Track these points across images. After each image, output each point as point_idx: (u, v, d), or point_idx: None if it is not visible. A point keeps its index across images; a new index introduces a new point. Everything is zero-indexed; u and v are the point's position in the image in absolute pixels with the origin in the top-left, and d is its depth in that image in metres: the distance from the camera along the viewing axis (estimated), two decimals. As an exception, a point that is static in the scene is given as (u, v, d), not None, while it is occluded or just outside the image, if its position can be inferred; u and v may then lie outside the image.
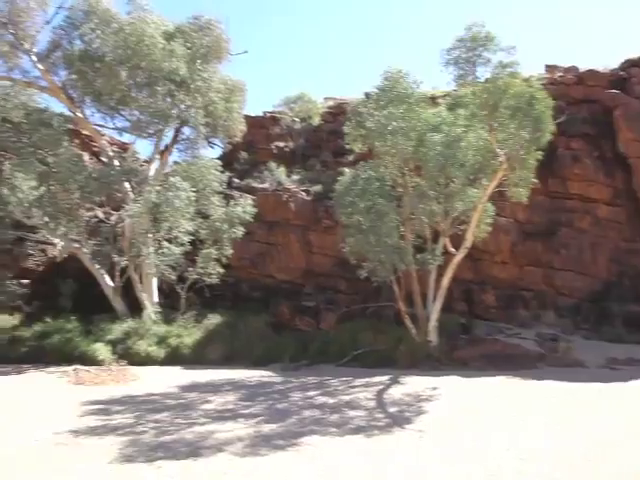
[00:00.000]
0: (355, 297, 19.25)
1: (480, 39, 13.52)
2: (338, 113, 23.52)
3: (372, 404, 10.54)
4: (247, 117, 22.84)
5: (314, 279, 20.50)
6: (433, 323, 15.59)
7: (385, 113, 14.60)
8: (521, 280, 19.33)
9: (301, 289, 20.46)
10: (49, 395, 11.91)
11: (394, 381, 12.78)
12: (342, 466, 6.89)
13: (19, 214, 18.09)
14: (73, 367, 15.14)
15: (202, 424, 9.07)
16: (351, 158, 20.50)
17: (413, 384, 12.29)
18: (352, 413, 9.80)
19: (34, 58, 18.45)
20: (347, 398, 11.13)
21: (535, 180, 14.89)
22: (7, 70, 18.43)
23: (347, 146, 16.90)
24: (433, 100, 17.55)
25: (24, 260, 20.31)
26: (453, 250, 15.65)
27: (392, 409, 10.10)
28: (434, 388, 11.74)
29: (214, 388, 12.64)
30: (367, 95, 17.32)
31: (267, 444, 7.84)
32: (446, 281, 15.60)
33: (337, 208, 16.17)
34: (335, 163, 22.07)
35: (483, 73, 13.85)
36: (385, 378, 13.12)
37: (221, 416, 9.69)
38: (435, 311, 15.63)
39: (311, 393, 11.85)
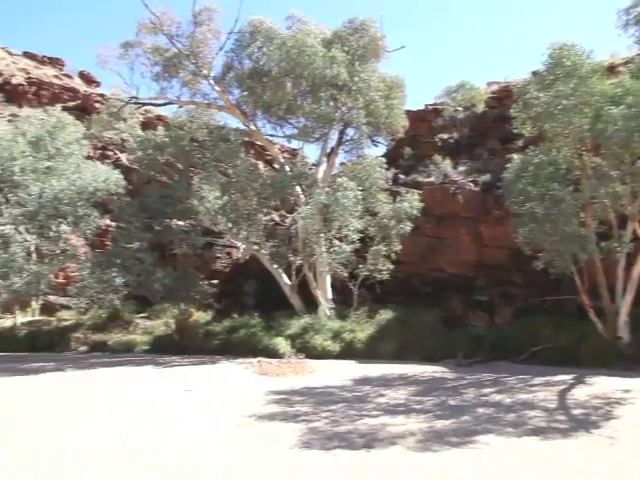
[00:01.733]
0: (531, 290, 18.06)
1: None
2: (503, 97, 22.31)
3: (553, 405, 9.85)
4: (408, 112, 22.74)
5: (486, 272, 19.70)
6: (624, 318, 14.06)
7: (553, 91, 13.51)
8: None
9: (473, 283, 19.80)
10: (238, 383, 13.14)
11: (578, 381, 11.79)
12: (519, 470, 6.58)
13: (207, 222, 20.22)
14: (257, 359, 16.48)
15: (375, 417, 9.28)
16: (520, 143, 19.30)
17: (601, 385, 11.23)
18: (530, 413, 9.26)
19: (212, 82, 20.47)
20: (525, 397, 10.54)
21: None
22: (191, 95, 20.76)
23: (515, 131, 15.96)
24: (612, 70, 15.81)
25: (213, 263, 22.69)
26: (645, 235, 13.96)
27: (576, 411, 9.34)
28: (627, 391, 10.59)
29: (387, 382, 12.83)
30: (534, 74, 16.20)
31: (439, 440, 7.78)
32: (637, 271, 13.95)
33: (508, 197, 15.37)
34: (503, 150, 20.95)
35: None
36: (568, 377, 12.17)
37: (394, 410, 9.82)
38: (625, 305, 14.07)
39: (486, 390, 11.45)
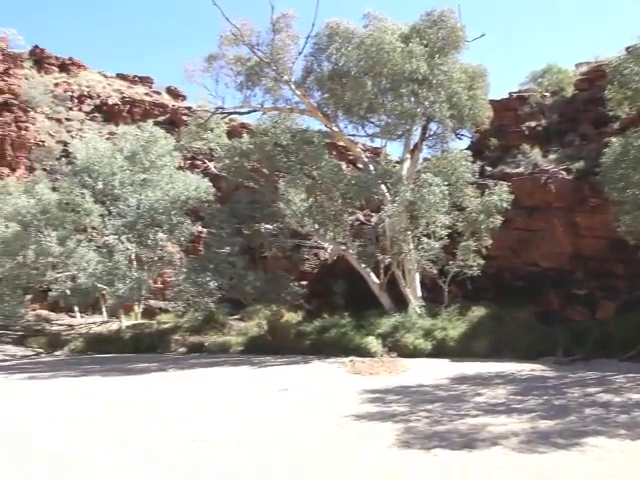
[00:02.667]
0: (636, 282, 16.95)
1: None
2: (594, 78, 21.07)
3: (670, 404, 9.21)
4: (492, 102, 22.03)
5: (584, 264, 18.69)
6: None
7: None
8: None
9: (569, 276, 18.85)
10: (332, 382, 13.30)
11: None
12: (636, 475, 6.21)
13: (294, 224, 20.67)
14: (349, 358, 16.58)
15: (474, 416, 9.09)
16: (617, 126, 18.17)
17: None
18: (645, 414, 8.71)
19: (293, 86, 20.84)
20: (637, 397, 9.91)
21: None
22: (274, 101, 21.27)
23: (610, 113, 15.06)
24: None
25: (301, 264, 23.12)
26: None
27: (697, 411, 8.67)
28: None
29: (483, 381, 12.51)
30: (629, 50, 15.16)
31: (545, 441, 7.49)
32: None
33: (606, 184, 14.54)
34: (597, 134, 19.80)
35: None
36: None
37: (493, 409, 9.57)
38: None
39: (591, 390, 10.87)
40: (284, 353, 19.17)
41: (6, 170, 29.90)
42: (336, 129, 21.77)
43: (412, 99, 19.86)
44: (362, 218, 22.59)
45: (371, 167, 21.03)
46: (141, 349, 22.29)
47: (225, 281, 20.28)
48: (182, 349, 22.19)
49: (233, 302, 22.51)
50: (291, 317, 21.19)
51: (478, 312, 17.93)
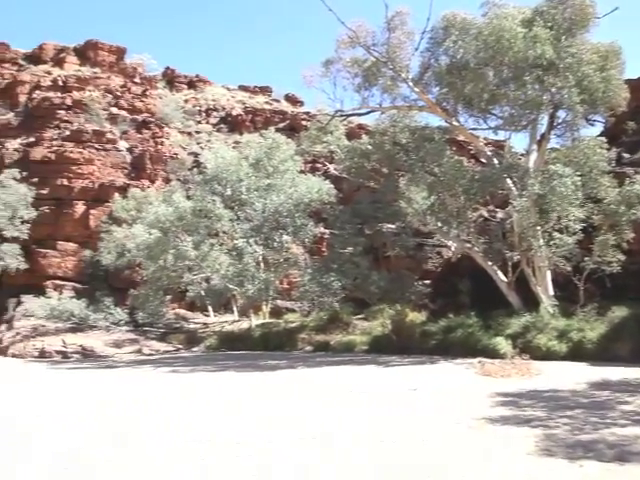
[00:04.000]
0: None
1: None
2: None
3: None
4: (629, 81, 20.23)
5: None
6: None
7: None
8: None
9: None
10: (461, 383, 13.01)
11: None
12: None
13: (416, 223, 20.50)
14: (477, 359, 16.09)
15: (623, 426, 8.41)
16: None
17: None
18: None
19: (410, 84, 20.65)
20: None
21: None
22: (391, 100, 21.23)
23: None
24: None
25: (425, 263, 22.85)
26: None
27: None
28: None
29: (630, 387, 11.55)
30: None
31: None
32: None
33: None
34: None
35: None
36: None
37: (645, 419, 8.81)
38: None
39: None
40: (409, 353, 19.05)
41: (146, 182, 32.74)
42: (456, 124, 21.22)
43: (537, 87, 18.84)
44: (486, 214, 21.82)
45: (495, 161, 20.24)
46: (270, 347, 23.28)
47: (349, 281, 20.62)
48: (308, 347, 22.86)
49: (357, 301, 22.79)
50: (415, 317, 21.01)
51: (619, 312, 16.56)
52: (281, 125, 38.22)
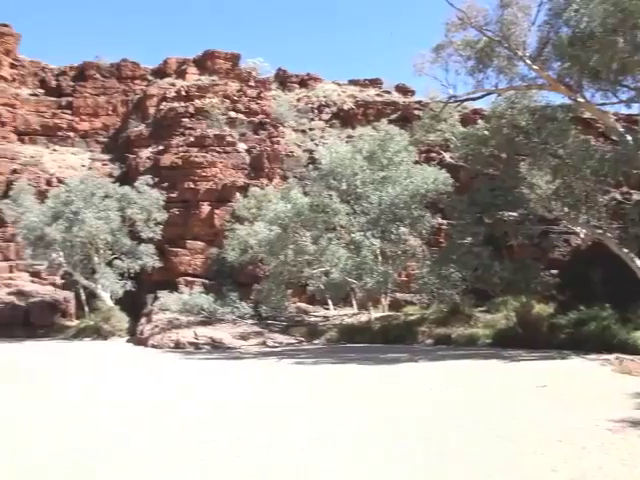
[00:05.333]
0: None
1: None
2: None
3: None
4: None
5: None
6: None
7: None
8: None
9: None
10: (596, 381, 12.16)
11: None
12: None
13: (540, 209, 19.29)
14: (614, 355, 14.87)
15: None
16: None
17: None
18: None
19: (528, 62, 19.44)
20: None
21: None
22: (508, 81, 20.13)
23: None
24: None
25: (551, 251, 21.48)
26: None
27: None
28: None
29: None
30: None
31: None
32: None
33: None
34: None
35: None
36: None
37: None
38: None
39: None
40: (536, 347, 18.05)
41: (265, 180, 34.06)
42: (582, 100, 19.63)
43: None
44: (619, 197, 20.00)
45: (628, 137, 18.46)
46: (390, 340, 23.23)
47: (469, 272, 19.96)
48: (429, 341, 22.50)
49: (478, 293, 21.99)
50: (542, 309, 19.86)
51: None
52: (393, 116, 37.81)
